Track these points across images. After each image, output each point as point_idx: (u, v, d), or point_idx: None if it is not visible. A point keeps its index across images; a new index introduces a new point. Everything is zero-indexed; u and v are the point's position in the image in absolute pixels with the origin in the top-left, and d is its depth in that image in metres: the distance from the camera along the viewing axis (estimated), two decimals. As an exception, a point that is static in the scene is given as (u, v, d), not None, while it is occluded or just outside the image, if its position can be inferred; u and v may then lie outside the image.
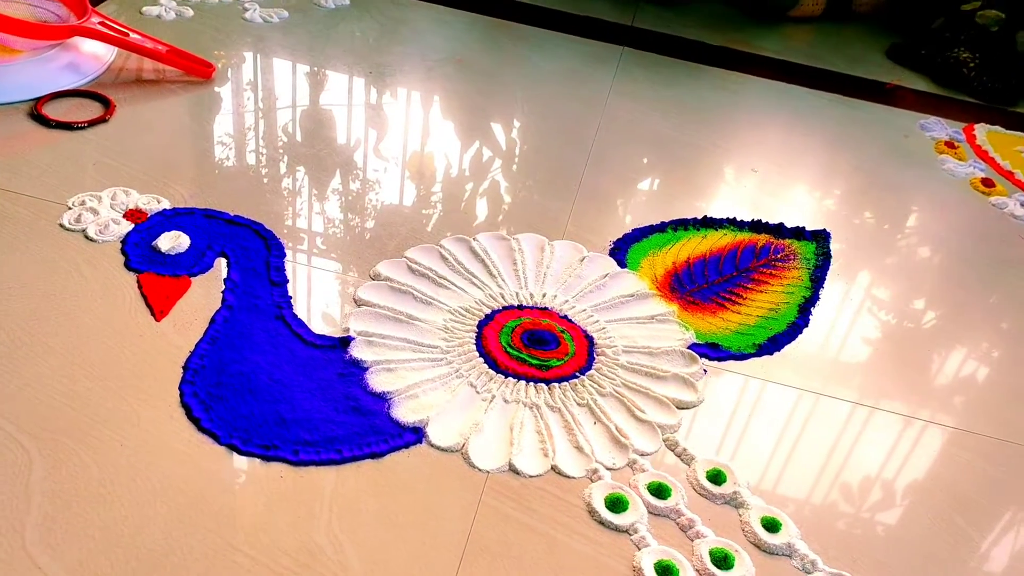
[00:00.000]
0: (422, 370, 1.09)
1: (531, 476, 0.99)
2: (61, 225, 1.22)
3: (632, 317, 1.23)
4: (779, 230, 1.46)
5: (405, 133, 1.62)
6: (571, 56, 1.96)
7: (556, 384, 1.10)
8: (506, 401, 1.07)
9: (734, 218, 1.47)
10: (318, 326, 1.13)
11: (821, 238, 1.47)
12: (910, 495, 1.06)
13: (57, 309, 1.09)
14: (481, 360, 1.12)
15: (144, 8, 1.83)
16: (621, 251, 1.35)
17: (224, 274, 1.19)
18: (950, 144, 1.84)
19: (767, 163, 1.69)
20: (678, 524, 0.96)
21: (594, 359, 1.15)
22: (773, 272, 1.37)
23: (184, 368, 1.04)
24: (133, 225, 1.24)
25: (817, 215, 1.55)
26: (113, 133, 1.44)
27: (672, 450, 1.05)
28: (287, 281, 1.19)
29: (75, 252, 1.18)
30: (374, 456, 0.98)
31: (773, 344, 1.23)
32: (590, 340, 1.18)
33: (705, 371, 1.16)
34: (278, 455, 0.96)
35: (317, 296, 1.19)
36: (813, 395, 1.17)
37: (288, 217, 1.33)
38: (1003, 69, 2.09)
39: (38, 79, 1.51)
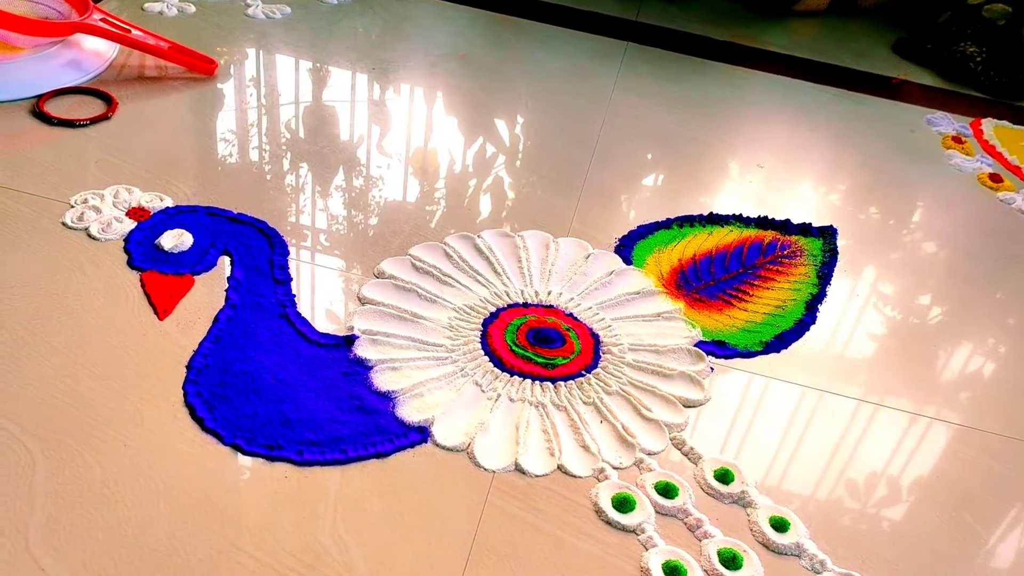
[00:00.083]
0: (427, 369, 1.08)
1: (537, 476, 0.98)
2: (63, 223, 1.21)
3: (638, 315, 1.22)
4: (785, 226, 1.45)
5: (408, 129, 1.61)
6: (575, 52, 1.95)
7: (562, 383, 1.09)
8: (512, 400, 1.06)
9: (740, 214, 1.46)
10: (322, 324, 1.13)
11: (828, 234, 1.46)
12: (918, 492, 1.05)
13: (60, 308, 1.09)
14: (486, 358, 1.11)
15: (146, 4, 1.82)
16: (627, 248, 1.34)
17: (227, 272, 1.18)
18: (957, 139, 1.83)
19: (772, 159, 1.68)
20: (686, 524, 0.96)
21: (600, 357, 1.14)
22: (780, 269, 1.36)
23: (187, 367, 1.03)
24: (136, 223, 1.23)
25: (823, 211, 1.54)
26: (115, 130, 1.43)
27: (679, 449, 1.04)
28: (291, 279, 1.19)
29: (78, 251, 1.18)
30: (379, 456, 0.97)
31: (780, 342, 1.22)
32: (596, 338, 1.17)
33: (712, 369, 1.16)
34: (282, 455, 0.95)
35: (321, 294, 1.19)
36: (820, 393, 1.16)
37: (291, 214, 1.32)
38: (1010, 63, 2.07)
39: (40, 76, 1.50)
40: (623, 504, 0.95)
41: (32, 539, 0.83)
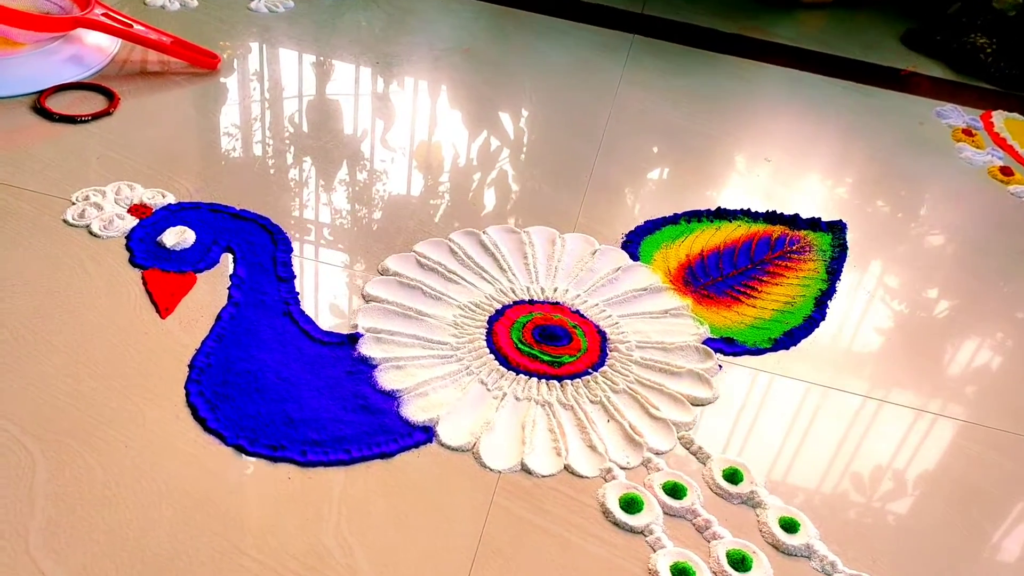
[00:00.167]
0: (432, 367, 1.07)
1: (544, 476, 0.97)
2: (65, 221, 1.20)
3: (645, 312, 1.21)
4: (794, 221, 1.43)
5: (412, 124, 1.59)
6: (580, 45, 1.93)
7: (568, 381, 1.08)
8: (517, 399, 1.05)
9: (748, 209, 1.45)
10: (326, 322, 1.12)
11: (837, 229, 1.44)
12: (929, 490, 1.03)
13: (61, 307, 1.08)
14: (492, 357, 1.10)
15: (148, -1, 1.81)
16: (633, 244, 1.33)
17: (230, 270, 1.17)
18: (967, 132, 1.81)
19: (780, 152, 1.66)
20: (694, 525, 0.94)
21: (607, 355, 1.13)
22: (789, 264, 1.34)
23: (190, 367, 1.02)
24: (138, 220, 1.22)
25: (832, 205, 1.52)
26: (117, 126, 1.42)
27: (687, 448, 1.03)
28: (294, 277, 1.17)
29: (79, 248, 1.17)
30: (383, 456, 0.96)
31: (789, 338, 1.20)
32: (603, 335, 1.16)
33: (720, 367, 1.14)
34: (286, 456, 0.94)
35: (325, 292, 1.17)
36: (829, 390, 1.15)
37: (295, 211, 1.31)
38: (1021, 54, 2.05)
39: (41, 72, 1.49)
40: (631, 505, 0.94)
41: (32, 542, 0.82)
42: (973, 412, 1.15)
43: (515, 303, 1.19)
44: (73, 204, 1.23)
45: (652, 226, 1.37)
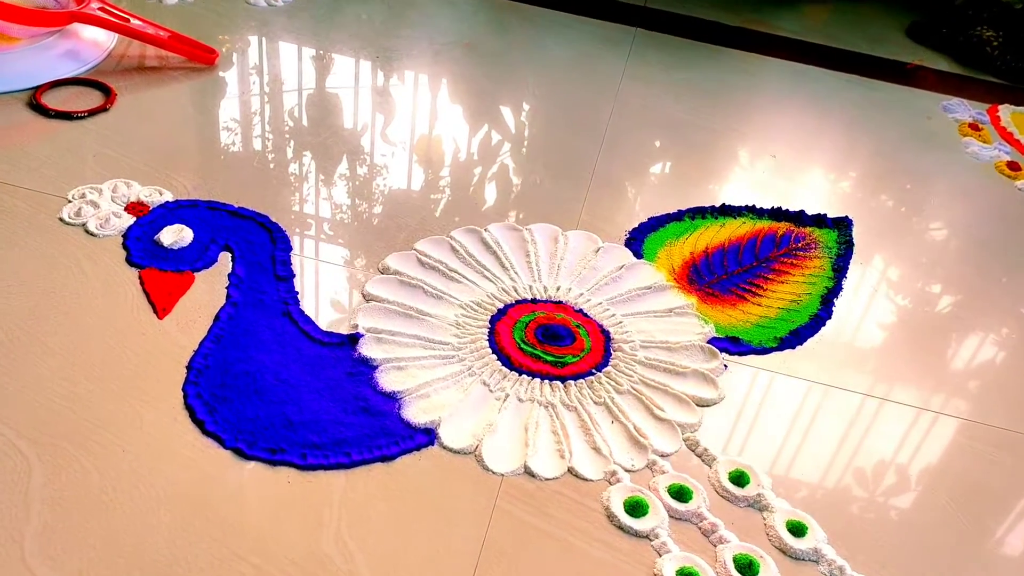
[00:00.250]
0: (433, 368, 1.05)
1: (547, 479, 0.95)
2: (61, 219, 1.19)
3: (650, 310, 1.19)
4: (800, 218, 1.42)
5: (413, 120, 1.57)
6: (582, 38, 1.91)
7: (572, 382, 1.06)
8: (520, 400, 1.03)
9: (753, 205, 1.43)
10: (326, 323, 1.10)
11: (843, 226, 1.42)
12: (940, 493, 1.02)
13: (56, 307, 1.06)
14: (494, 357, 1.08)
15: (145, -8, 1.79)
16: (637, 241, 1.31)
17: (229, 269, 1.15)
18: (974, 126, 1.79)
19: (785, 147, 1.64)
20: (700, 529, 0.93)
21: (611, 355, 1.11)
22: (794, 262, 1.32)
23: (188, 368, 1.01)
24: (135, 219, 1.20)
25: (837, 201, 1.50)
26: (114, 123, 1.40)
27: (693, 450, 1.01)
28: (293, 276, 1.16)
29: (75, 247, 1.15)
30: (384, 459, 0.94)
31: (795, 337, 1.19)
32: (606, 335, 1.14)
33: (726, 366, 1.13)
34: (285, 459, 0.92)
35: (324, 291, 1.16)
36: (835, 390, 1.13)
37: (294, 208, 1.29)
38: (1027, 48, 2.03)
39: (36, 67, 1.47)
40: (636, 508, 0.93)
41: (28, 548, 0.81)
42: (988, 414, 1.14)
43: (517, 302, 1.17)
44: (69, 202, 1.21)
45: (656, 223, 1.36)
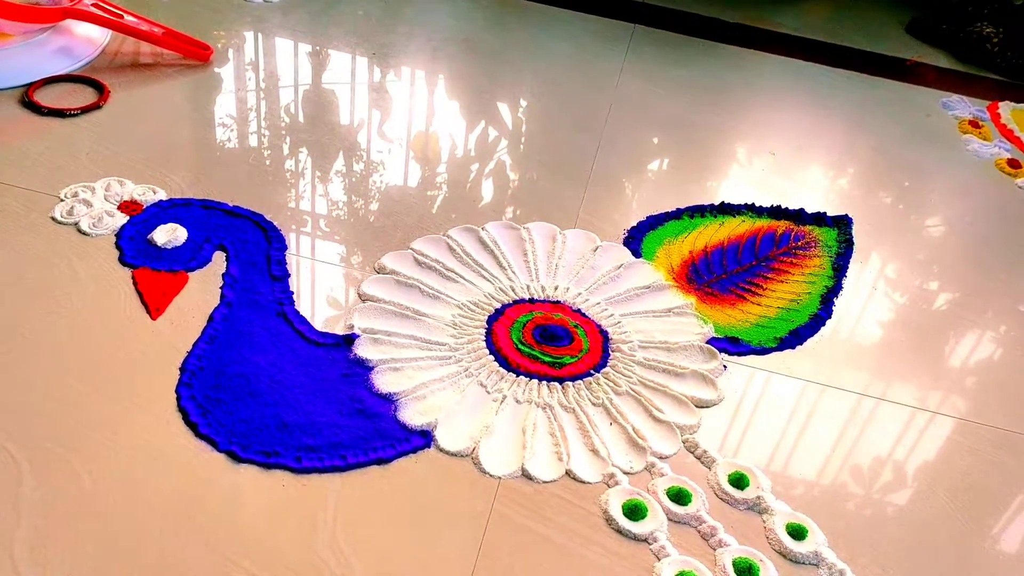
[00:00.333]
0: (430, 369, 1.04)
1: (545, 482, 0.94)
2: (53, 218, 1.17)
3: (648, 310, 1.18)
4: (799, 216, 1.40)
5: (409, 119, 1.56)
6: (580, 35, 1.90)
7: (570, 383, 1.05)
8: (518, 401, 1.02)
9: (752, 204, 1.42)
10: (321, 323, 1.09)
11: (843, 224, 1.41)
12: (940, 495, 1.01)
13: (48, 308, 1.05)
14: (491, 358, 1.07)
15: (139, -12, 1.77)
16: (635, 240, 1.30)
17: (223, 269, 1.14)
18: (974, 123, 1.78)
19: (784, 145, 1.63)
20: (699, 532, 0.92)
21: (609, 355, 1.10)
22: (794, 261, 1.31)
23: (181, 369, 0.99)
24: (128, 217, 1.19)
25: (837, 199, 1.49)
26: (107, 120, 1.39)
27: (692, 452, 1.00)
28: (288, 275, 1.15)
29: (67, 247, 1.14)
30: (380, 462, 0.93)
31: (795, 338, 1.18)
32: (604, 335, 1.13)
33: (725, 367, 1.11)
34: (279, 462, 0.91)
35: (320, 291, 1.15)
36: (836, 391, 1.12)
37: (289, 207, 1.28)
38: (1028, 44, 2.02)
39: (29, 64, 1.45)
40: (634, 511, 0.91)
41: (17, 553, 0.80)
42: (990, 415, 1.13)
43: (515, 302, 1.16)
44: (62, 201, 1.20)
45: (655, 221, 1.35)
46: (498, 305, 1.15)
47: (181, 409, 0.95)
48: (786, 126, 1.70)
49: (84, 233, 1.16)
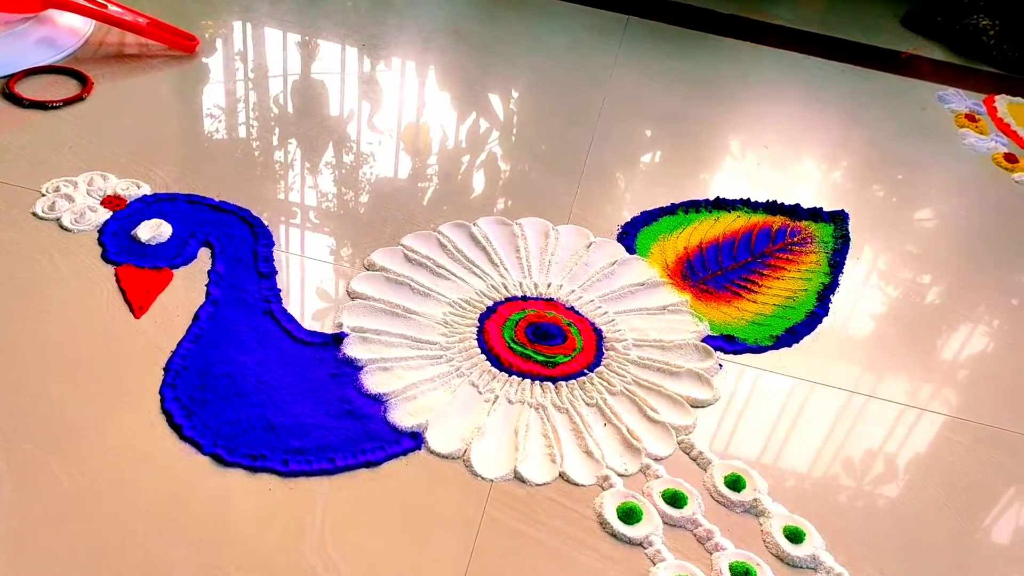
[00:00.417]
0: (420, 369, 1.02)
1: (538, 484, 0.92)
2: (34, 213, 1.15)
3: (643, 308, 1.16)
4: (795, 211, 1.39)
5: (400, 108, 1.53)
6: (573, 26, 1.87)
7: (563, 382, 1.03)
8: (510, 402, 1.00)
9: (747, 199, 1.40)
10: (309, 321, 1.06)
11: (839, 219, 1.39)
12: (940, 496, 0.99)
13: (28, 306, 1.02)
14: (483, 357, 1.05)
15: (124, -23, 1.74)
16: (630, 236, 1.28)
17: (208, 265, 1.12)
18: (970, 117, 1.76)
19: (779, 138, 1.61)
20: (695, 536, 0.90)
21: (603, 354, 1.08)
22: (790, 257, 1.30)
23: (165, 370, 0.97)
24: (111, 213, 1.16)
25: (833, 194, 1.48)
26: (90, 113, 1.36)
27: (687, 453, 0.99)
28: (276, 272, 1.12)
29: (48, 243, 1.11)
30: (369, 465, 0.91)
31: (791, 335, 1.16)
32: (598, 333, 1.11)
33: (720, 366, 1.10)
34: (266, 465, 0.89)
35: (308, 288, 1.12)
36: (834, 390, 1.10)
37: (276, 202, 1.25)
38: (1024, 37, 2.00)
39: (10, 55, 1.42)
40: (629, 515, 0.90)
41: (-4, 561, 0.78)
42: (984, 411, 1.11)
43: (507, 300, 1.14)
44: (43, 196, 1.17)
45: (649, 217, 1.33)
46: (490, 303, 1.13)
47: (165, 411, 0.93)
48: (780, 119, 1.68)
49: (66, 229, 1.13)
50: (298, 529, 0.84)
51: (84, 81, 1.41)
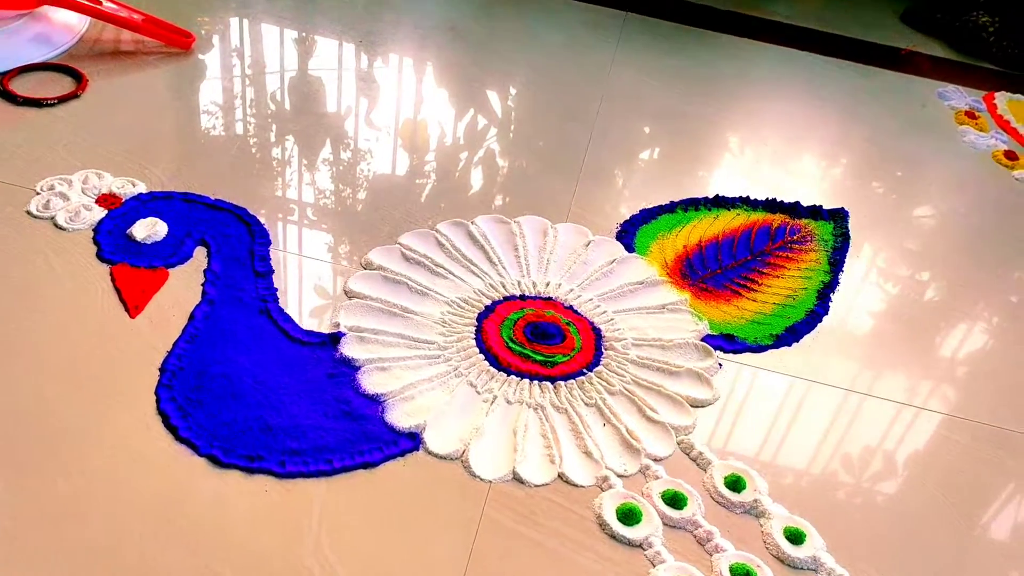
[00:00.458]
0: (418, 369, 1.02)
1: (536, 485, 0.92)
2: (28, 212, 1.14)
3: (642, 307, 1.15)
4: (795, 209, 1.38)
5: (397, 105, 1.52)
6: (571, 23, 1.86)
7: (562, 382, 1.03)
8: (508, 402, 1.00)
9: (747, 197, 1.39)
10: (306, 321, 1.06)
11: (839, 217, 1.38)
12: (941, 498, 0.99)
13: (22, 305, 1.01)
14: (481, 357, 1.04)
15: (119, -26, 1.72)
16: (629, 234, 1.27)
17: (204, 265, 1.11)
18: (970, 114, 1.75)
19: (778, 136, 1.60)
20: (695, 537, 0.90)
21: (602, 354, 1.08)
22: (790, 255, 1.29)
23: (161, 370, 0.96)
24: (106, 211, 1.15)
25: (832, 191, 1.47)
26: (85, 110, 1.35)
27: (687, 454, 0.98)
28: (272, 271, 1.11)
29: (43, 242, 1.10)
30: (367, 466, 0.90)
31: (791, 334, 1.15)
32: (597, 333, 1.10)
33: (720, 365, 1.09)
34: (263, 467, 0.88)
35: (305, 287, 1.12)
36: (833, 389, 1.10)
37: (273, 200, 1.24)
38: (1024, 33, 1.99)
39: (4, 52, 1.41)
40: (629, 516, 0.89)
41: (-11, 564, 0.77)
42: (985, 411, 1.11)
43: (505, 299, 1.13)
44: (37, 194, 1.16)
45: (648, 215, 1.32)
46: (488, 302, 1.12)
47: (161, 412, 0.92)
48: (779, 116, 1.68)
49: (61, 228, 1.12)
50: (295, 531, 0.84)
51: (79, 78, 1.40)
